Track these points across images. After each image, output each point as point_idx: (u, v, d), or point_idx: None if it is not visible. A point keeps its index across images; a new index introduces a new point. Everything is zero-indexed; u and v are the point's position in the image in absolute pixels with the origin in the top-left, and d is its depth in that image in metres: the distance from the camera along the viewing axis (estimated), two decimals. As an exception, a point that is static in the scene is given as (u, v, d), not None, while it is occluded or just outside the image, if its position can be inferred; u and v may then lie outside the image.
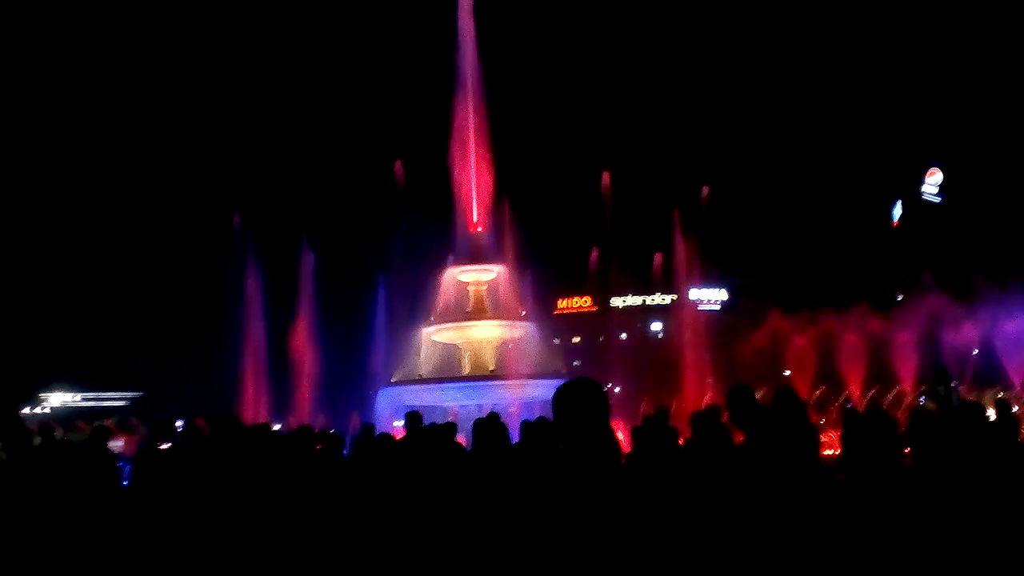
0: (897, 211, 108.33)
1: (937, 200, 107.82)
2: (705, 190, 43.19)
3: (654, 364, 47.74)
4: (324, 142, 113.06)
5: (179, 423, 11.60)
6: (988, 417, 10.75)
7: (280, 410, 37.17)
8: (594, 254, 47.34)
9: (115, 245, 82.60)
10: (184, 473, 9.08)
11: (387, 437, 9.85)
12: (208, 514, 8.50)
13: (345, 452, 11.55)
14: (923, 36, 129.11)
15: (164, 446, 10.09)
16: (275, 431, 11.64)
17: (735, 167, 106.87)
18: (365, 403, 38.74)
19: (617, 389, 45.35)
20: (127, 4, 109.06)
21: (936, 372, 18.16)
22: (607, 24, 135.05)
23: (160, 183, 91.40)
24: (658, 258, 46.91)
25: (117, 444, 19.07)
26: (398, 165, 40.33)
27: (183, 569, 8.34)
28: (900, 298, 67.79)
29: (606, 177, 41.84)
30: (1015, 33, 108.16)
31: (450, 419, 17.95)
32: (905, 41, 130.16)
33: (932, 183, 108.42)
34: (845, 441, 11.49)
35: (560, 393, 4.73)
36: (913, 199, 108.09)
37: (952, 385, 17.18)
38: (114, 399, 77.60)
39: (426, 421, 11.02)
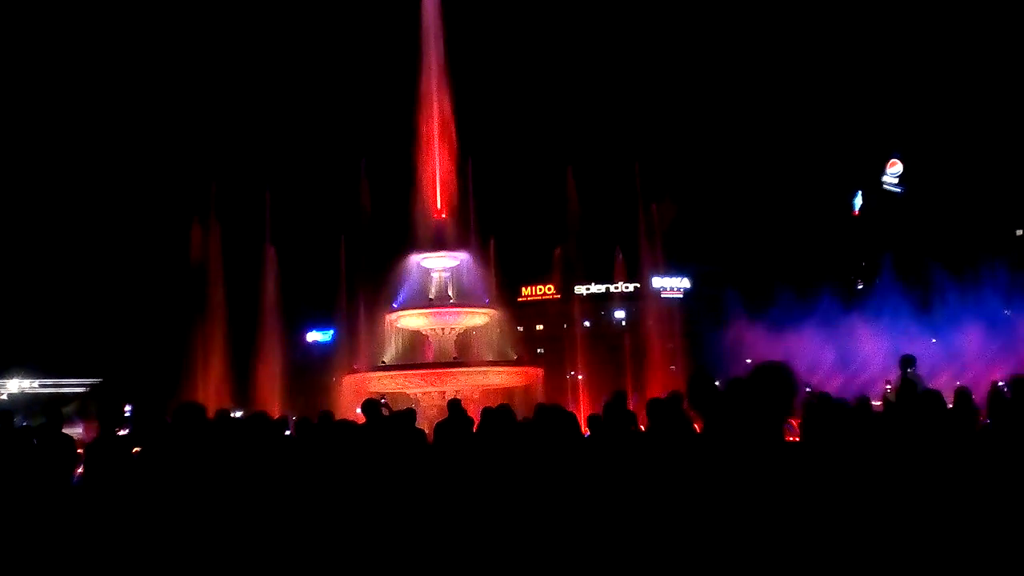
0: (858, 201, 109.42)
1: (897, 190, 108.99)
2: (669, 181, 43.39)
3: (618, 352, 47.88)
4: (288, 133, 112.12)
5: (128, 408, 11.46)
6: (946, 405, 10.85)
7: (243, 398, 36.94)
8: (558, 243, 47.42)
9: (74, 231, 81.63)
10: (140, 460, 8.99)
11: (348, 423, 9.81)
12: (163, 501, 8.41)
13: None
14: (887, 29, 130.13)
15: (121, 432, 9.98)
16: (234, 417, 11.55)
17: (700, 159, 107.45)
18: (329, 391, 38.67)
19: (580, 377, 45.41)
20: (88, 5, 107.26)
21: (901, 358, 18.20)
22: (572, 15, 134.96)
23: (122, 171, 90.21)
24: (621, 247, 47.12)
25: (77, 431, 18.85)
26: (365, 182, 40.19)
27: (139, 556, 8.26)
28: (860, 286, 68.53)
29: (569, 168, 41.98)
30: (971, 26, 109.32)
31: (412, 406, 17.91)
32: (868, 34, 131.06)
33: (892, 174, 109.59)
34: (804, 429, 11.57)
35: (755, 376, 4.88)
36: (874, 189, 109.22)
37: (913, 370, 17.27)
38: (73, 385, 76.63)
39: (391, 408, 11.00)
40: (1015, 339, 40.98)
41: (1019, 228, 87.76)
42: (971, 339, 43.14)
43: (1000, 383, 12.99)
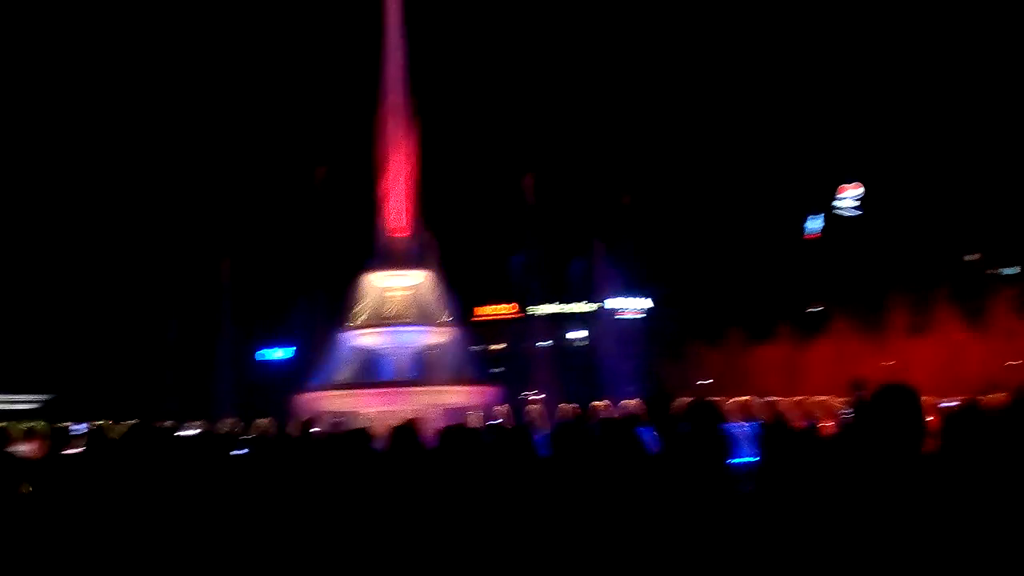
0: (813, 224, 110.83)
1: (853, 214, 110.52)
2: (628, 200, 43.71)
3: (576, 372, 48.00)
4: (245, 146, 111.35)
5: (83, 427, 11.28)
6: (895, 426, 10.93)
7: (197, 414, 36.56)
8: (517, 261, 47.49)
9: (22, 245, 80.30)
10: (86, 479, 8.81)
11: (297, 441, 9.69)
12: (109, 520, 8.24)
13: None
14: (843, 55, 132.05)
15: (70, 452, 9.82)
16: (181, 435, 11.40)
17: (658, 180, 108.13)
18: (285, 408, 38.33)
19: (539, 396, 45.42)
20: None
21: (853, 383, 18.47)
22: (537, 33, 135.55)
23: (74, 184, 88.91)
24: (581, 266, 47.31)
25: (24, 448, 18.49)
26: (321, 172, 40.03)
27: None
28: (817, 309, 69.21)
29: (530, 184, 42.06)
30: (927, 51, 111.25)
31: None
32: (826, 59, 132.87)
33: (848, 197, 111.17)
34: (760, 448, 11.62)
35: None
36: (830, 213, 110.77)
37: (862, 394, 17.46)
38: (25, 401, 75.26)
39: (346, 427, 10.89)
40: (966, 363, 41.60)
41: (968, 254, 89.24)
42: (923, 362, 43.75)
43: (944, 405, 13.16)
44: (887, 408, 5.33)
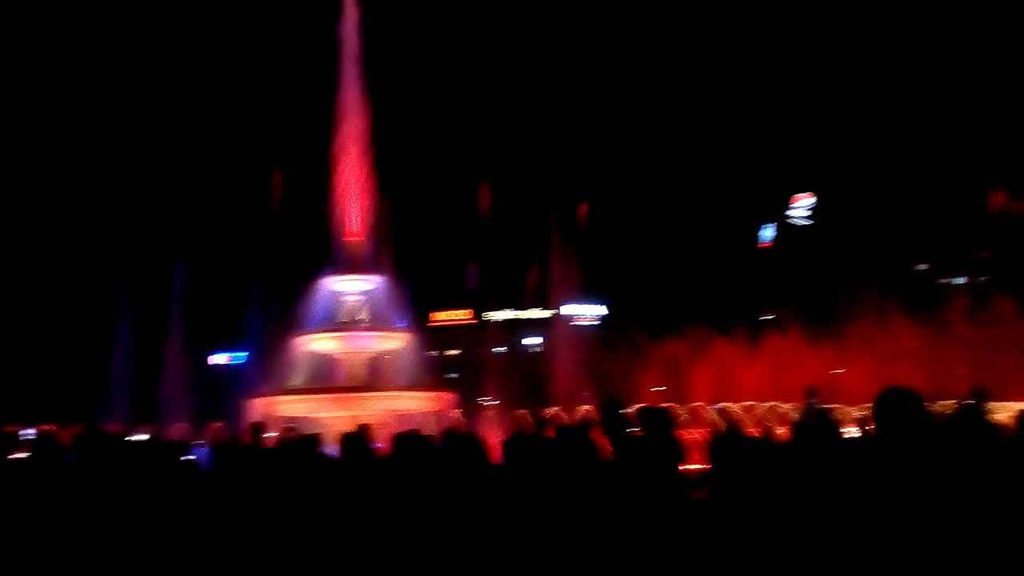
0: (766, 233, 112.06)
1: (805, 223, 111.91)
2: (583, 209, 43.82)
3: (531, 378, 48.04)
4: (199, 151, 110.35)
5: (31, 431, 11.10)
6: (843, 433, 11.11)
7: (148, 419, 36.08)
8: (472, 267, 47.42)
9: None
10: (33, 484, 8.66)
11: (248, 447, 9.61)
12: (58, 524, 8.12)
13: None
14: (797, 70, 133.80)
15: (16, 456, 9.65)
16: (131, 440, 11.24)
17: (614, 188, 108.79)
18: (237, 413, 37.90)
19: (493, 402, 45.36)
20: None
21: (805, 389, 18.75)
22: (491, 41, 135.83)
23: (27, 186, 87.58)
24: (536, 273, 47.34)
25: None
26: (277, 177, 39.72)
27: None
28: (769, 317, 69.91)
29: (485, 192, 42.08)
30: (877, 67, 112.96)
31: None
32: (780, 74, 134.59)
33: (801, 207, 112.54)
34: (712, 455, 11.70)
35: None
36: (782, 222, 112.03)
37: (814, 401, 17.74)
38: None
39: (298, 433, 10.80)
40: (916, 370, 42.16)
41: (918, 263, 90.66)
42: (873, 371, 44.33)
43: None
44: (892, 412, 5.38)
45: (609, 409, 8.11)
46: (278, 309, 39.08)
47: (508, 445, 11.13)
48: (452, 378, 58.56)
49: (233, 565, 8.22)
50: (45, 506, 8.44)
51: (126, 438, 10.89)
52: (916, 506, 5.17)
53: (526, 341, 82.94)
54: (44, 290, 64.14)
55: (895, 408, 5.50)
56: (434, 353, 56.93)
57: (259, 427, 10.61)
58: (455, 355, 78.48)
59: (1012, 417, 11.07)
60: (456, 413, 37.52)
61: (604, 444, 8.12)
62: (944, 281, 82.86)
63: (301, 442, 10.19)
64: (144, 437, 14.32)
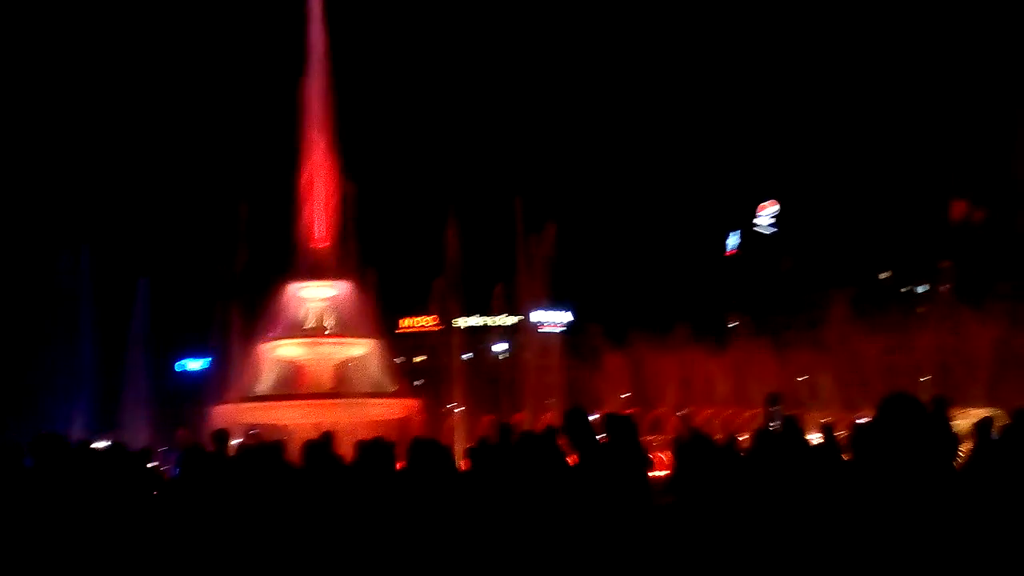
0: (732, 241, 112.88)
1: (770, 231, 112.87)
2: (552, 228, 43.89)
3: (497, 384, 48.01)
4: (161, 162, 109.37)
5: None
6: (808, 440, 11.20)
7: (111, 428, 35.69)
8: (439, 274, 47.29)
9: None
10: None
11: (211, 454, 9.52)
12: (18, 532, 8.00)
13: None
14: (762, 80, 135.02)
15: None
16: (93, 447, 11.12)
17: (583, 199, 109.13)
18: (202, 420, 37.59)
19: (459, 409, 45.26)
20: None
21: (767, 396, 18.84)
22: (459, 48, 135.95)
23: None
24: (503, 279, 47.35)
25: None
26: (243, 208, 39.50)
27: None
28: (734, 324, 70.31)
29: (451, 205, 42.24)
30: (842, 77, 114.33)
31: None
32: (745, 84, 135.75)
33: (766, 215, 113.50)
34: (676, 461, 11.73)
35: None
36: (747, 230, 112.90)
37: (778, 408, 17.83)
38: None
39: (263, 439, 10.71)
40: (880, 377, 42.59)
41: (881, 271, 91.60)
42: (836, 377, 44.80)
43: (861, 422, 13.48)
44: (895, 418, 5.37)
45: (574, 416, 8.12)
46: (243, 315, 38.75)
47: (474, 452, 11.14)
48: (419, 385, 58.42)
49: (194, 572, 8.14)
50: (2, 510, 8.32)
51: (89, 445, 10.77)
52: (878, 510, 5.21)
53: (494, 348, 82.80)
54: (7, 298, 63.25)
55: (900, 414, 5.47)
56: (401, 359, 56.72)
57: (222, 434, 10.50)
58: (422, 361, 78.21)
59: (971, 424, 11.23)
60: (423, 419, 37.41)
61: (570, 451, 8.13)
62: (907, 289, 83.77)
63: (263, 449, 10.11)
64: (105, 444, 14.17)
